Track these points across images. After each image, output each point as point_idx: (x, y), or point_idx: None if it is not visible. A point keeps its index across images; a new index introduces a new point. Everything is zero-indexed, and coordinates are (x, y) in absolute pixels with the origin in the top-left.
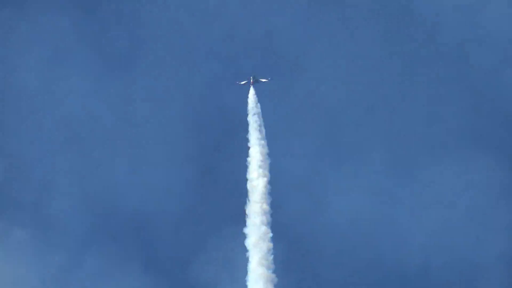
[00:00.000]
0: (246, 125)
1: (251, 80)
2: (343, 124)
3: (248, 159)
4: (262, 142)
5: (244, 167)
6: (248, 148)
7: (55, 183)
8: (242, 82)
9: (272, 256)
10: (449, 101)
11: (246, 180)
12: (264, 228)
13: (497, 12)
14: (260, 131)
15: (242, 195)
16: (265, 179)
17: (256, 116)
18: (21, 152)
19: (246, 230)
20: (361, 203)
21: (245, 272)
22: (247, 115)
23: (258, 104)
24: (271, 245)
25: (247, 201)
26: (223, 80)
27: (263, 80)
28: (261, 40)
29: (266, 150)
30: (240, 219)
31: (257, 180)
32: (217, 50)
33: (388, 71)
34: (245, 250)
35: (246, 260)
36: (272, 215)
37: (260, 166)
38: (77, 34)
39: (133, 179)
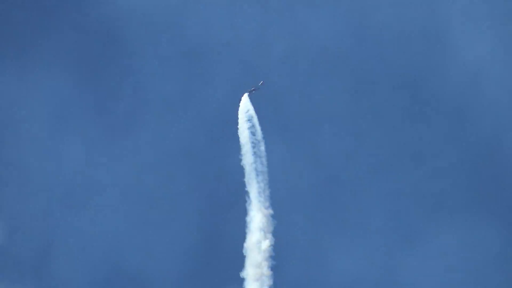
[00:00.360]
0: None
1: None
2: (345, 186)
3: (249, 220)
4: (264, 204)
5: (245, 230)
6: (249, 209)
7: (56, 244)
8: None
9: None
10: (450, 163)
11: (245, 242)
12: None
13: (499, 74)
14: (261, 192)
15: (242, 258)
16: (267, 241)
17: (259, 178)
18: (22, 214)
19: None
20: (362, 268)
21: None
22: (248, 176)
23: (262, 165)
24: None
25: (246, 264)
26: (225, 143)
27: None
28: (262, 106)
29: (268, 211)
30: (240, 283)
31: (258, 243)
32: (218, 116)
33: (383, 132)
34: None
35: None
36: (272, 279)
37: (261, 229)
38: (78, 100)
39: (134, 242)
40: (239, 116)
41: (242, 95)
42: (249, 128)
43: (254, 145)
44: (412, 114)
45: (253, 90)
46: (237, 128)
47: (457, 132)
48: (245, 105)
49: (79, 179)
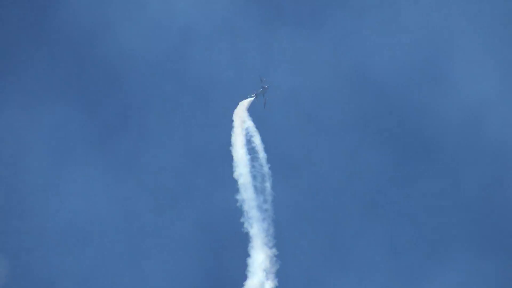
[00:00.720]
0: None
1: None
2: (347, 224)
3: (250, 261)
4: (268, 244)
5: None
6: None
7: (58, 283)
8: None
9: None
10: (451, 201)
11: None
12: None
13: (501, 115)
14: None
15: None
16: (269, 282)
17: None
18: (24, 252)
19: None
20: None
21: None
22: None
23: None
24: None
25: None
26: (227, 180)
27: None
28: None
29: (272, 252)
30: None
31: (260, 285)
32: (221, 154)
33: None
34: None
35: None
36: None
37: (264, 270)
38: (80, 136)
39: (134, 281)
40: (236, 130)
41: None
42: (250, 159)
43: (256, 180)
44: (412, 152)
45: (255, 95)
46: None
47: (459, 171)
48: (242, 116)
49: (81, 215)
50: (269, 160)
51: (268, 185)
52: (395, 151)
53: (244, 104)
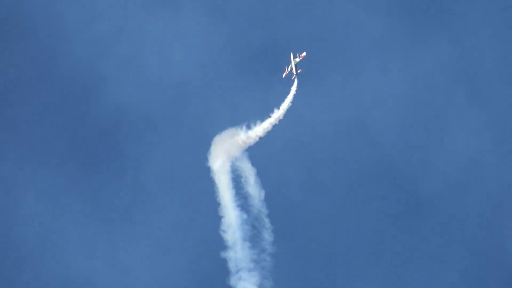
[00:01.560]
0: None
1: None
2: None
3: None
4: None
5: None
6: None
7: None
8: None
9: None
10: (442, 261)
11: None
12: None
13: (495, 171)
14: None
15: None
16: None
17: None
18: None
19: None
20: None
21: None
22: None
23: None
24: None
25: None
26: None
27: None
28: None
29: None
30: None
31: None
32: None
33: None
34: None
35: None
36: None
37: None
38: (75, 191)
39: None
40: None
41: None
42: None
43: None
44: (407, 209)
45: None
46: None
47: (454, 229)
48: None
49: (76, 272)
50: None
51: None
52: (391, 206)
53: (238, 141)
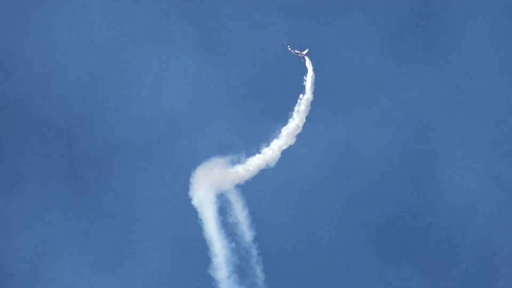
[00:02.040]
0: None
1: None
2: None
3: None
4: None
5: None
6: None
7: None
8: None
9: None
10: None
11: None
12: None
13: (489, 213)
14: None
15: None
16: None
17: None
18: None
19: None
20: None
21: None
22: None
23: None
24: None
25: None
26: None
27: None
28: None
29: None
30: None
31: None
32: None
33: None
34: None
35: None
36: None
37: None
38: (66, 225)
39: None
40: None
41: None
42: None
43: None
44: (399, 249)
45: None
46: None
47: (446, 270)
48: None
49: None
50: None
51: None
52: (384, 248)
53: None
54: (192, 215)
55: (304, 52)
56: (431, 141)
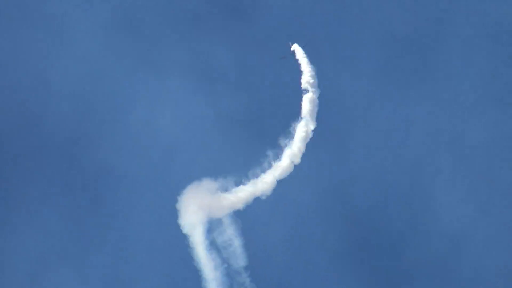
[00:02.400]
0: None
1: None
2: None
3: None
4: None
5: None
6: None
7: None
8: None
9: None
10: None
11: None
12: None
13: (482, 240)
14: None
15: None
16: None
17: None
18: None
19: None
20: None
21: None
22: None
23: None
24: None
25: None
26: None
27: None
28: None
29: None
30: None
31: None
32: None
33: None
34: None
35: None
36: None
37: None
38: (59, 248)
39: None
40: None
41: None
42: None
43: None
44: (393, 277)
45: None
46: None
47: None
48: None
49: None
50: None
51: None
52: (378, 280)
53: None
54: (183, 242)
55: (292, 48)
56: (425, 170)
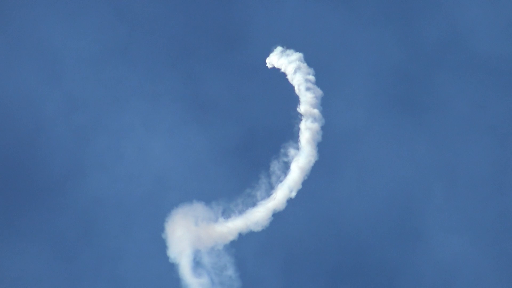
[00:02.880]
0: None
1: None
2: None
3: None
4: None
5: None
6: None
7: None
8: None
9: None
10: None
11: None
12: None
13: (474, 274)
14: None
15: None
16: None
17: None
18: None
19: None
20: None
21: None
22: None
23: None
24: None
25: None
26: None
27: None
28: None
29: None
30: None
31: None
32: None
33: None
34: None
35: None
36: None
37: None
38: (51, 280)
39: None
40: None
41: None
42: None
43: None
44: None
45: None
46: None
47: None
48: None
49: None
50: None
51: None
52: None
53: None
54: (172, 273)
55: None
56: (417, 202)
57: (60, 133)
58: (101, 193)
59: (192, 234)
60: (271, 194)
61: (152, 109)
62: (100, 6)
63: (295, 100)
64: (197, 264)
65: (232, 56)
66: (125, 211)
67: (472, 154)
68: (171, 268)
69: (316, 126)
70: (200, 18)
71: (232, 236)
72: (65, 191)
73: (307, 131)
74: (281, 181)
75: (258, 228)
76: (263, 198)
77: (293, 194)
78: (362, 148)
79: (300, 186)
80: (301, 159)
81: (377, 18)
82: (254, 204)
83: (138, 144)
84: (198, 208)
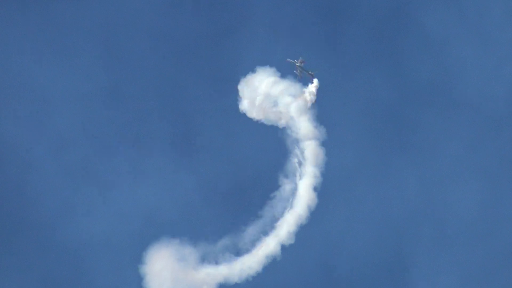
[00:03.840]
0: None
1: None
2: None
3: None
4: None
5: None
6: None
7: None
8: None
9: None
10: None
11: None
12: None
13: None
14: None
15: None
16: None
17: None
18: None
19: None
20: None
21: None
22: None
23: None
24: None
25: None
26: None
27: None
28: None
29: None
30: None
31: None
32: None
33: None
34: None
35: None
36: None
37: None
38: None
39: None
40: None
41: None
42: None
43: None
44: None
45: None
46: None
47: None
48: None
49: None
50: None
51: None
52: None
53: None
54: None
55: (312, 73)
56: (408, 244)
57: (50, 172)
58: (89, 232)
59: (170, 274)
60: (260, 240)
61: (143, 149)
62: (90, 46)
63: (288, 144)
64: None
65: (223, 97)
66: (113, 249)
67: (461, 195)
68: None
69: (316, 171)
70: (191, 58)
71: (211, 285)
72: (55, 229)
73: (308, 175)
74: (273, 227)
75: (244, 277)
76: (250, 245)
77: (287, 242)
78: (352, 189)
79: (294, 235)
80: (299, 205)
81: (367, 59)
82: (241, 251)
83: (127, 184)
84: (181, 249)
